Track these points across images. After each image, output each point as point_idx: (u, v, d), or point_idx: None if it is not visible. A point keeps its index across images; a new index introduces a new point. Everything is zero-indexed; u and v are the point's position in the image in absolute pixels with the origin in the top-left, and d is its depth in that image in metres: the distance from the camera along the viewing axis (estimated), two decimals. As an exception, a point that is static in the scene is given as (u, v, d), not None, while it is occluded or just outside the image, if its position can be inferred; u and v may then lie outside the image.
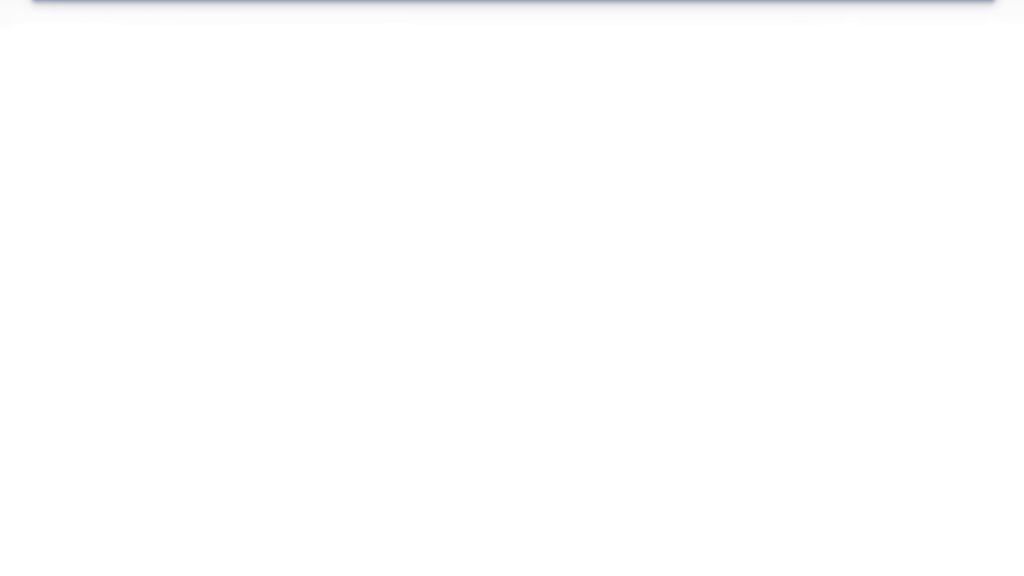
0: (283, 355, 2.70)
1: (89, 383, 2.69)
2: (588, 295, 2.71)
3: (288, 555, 2.70)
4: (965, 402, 2.69)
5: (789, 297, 2.70)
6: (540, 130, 2.73)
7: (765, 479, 2.69)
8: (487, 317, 2.71)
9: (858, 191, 2.71)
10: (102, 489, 2.69)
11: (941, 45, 2.71)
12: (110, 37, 2.73)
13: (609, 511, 2.69)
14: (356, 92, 2.73)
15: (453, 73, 2.74)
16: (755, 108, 2.72)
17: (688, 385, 2.70)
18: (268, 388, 2.70)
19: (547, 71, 2.73)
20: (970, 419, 2.68)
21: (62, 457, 2.69)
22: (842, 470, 2.69)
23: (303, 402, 2.70)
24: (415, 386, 2.70)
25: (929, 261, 2.70)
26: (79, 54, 2.73)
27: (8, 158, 2.72)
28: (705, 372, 2.70)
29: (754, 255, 2.71)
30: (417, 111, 2.74)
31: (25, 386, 2.69)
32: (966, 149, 2.71)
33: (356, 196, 2.72)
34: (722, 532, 2.69)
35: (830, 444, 2.69)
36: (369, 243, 2.72)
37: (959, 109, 2.71)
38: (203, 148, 2.72)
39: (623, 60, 2.73)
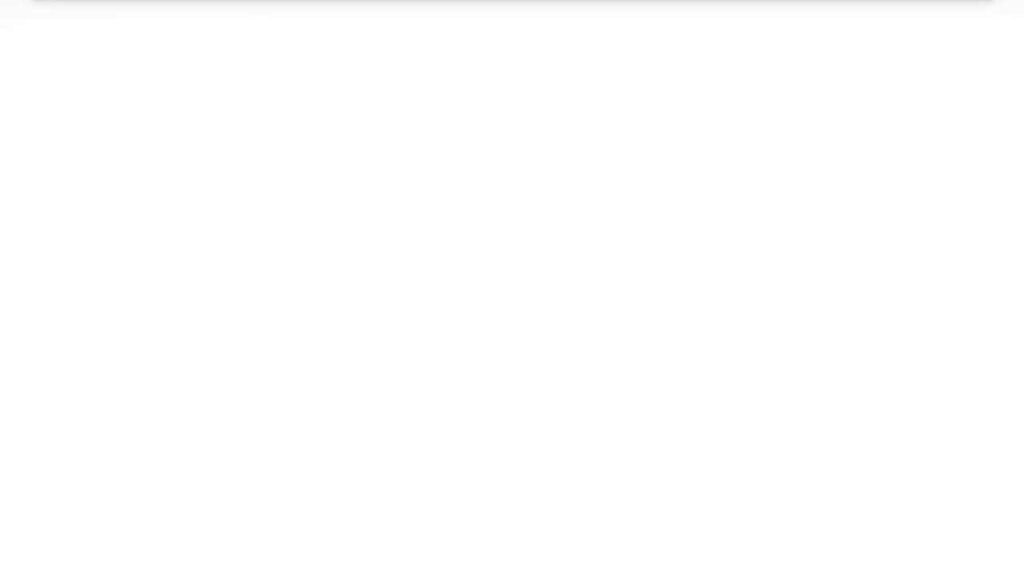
0: (281, 352, 2.70)
1: (89, 382, 2.70)
2: (588, 293, 2.71)
3: (288, 555, 2.70)
4: (965, 402, 2.69)
5: (788, 295, 2.71)
6: (541, 128, 2.73)
7: (765, 479, 2.69)
8: (487, 315, 2.71)
9: (857, 188, 2.71)
10: (101, 488, 2.69)
11: (940, 42, 2.72)
12: (112, 35, 2.73)
13: (609, 511, 2.69)
14: (359, 89, 2.73)
15: (453, 70, 2.74)
16: (754, 105, 2.73)
17: (688, 384, 2.70)
18: (267, 386, 2.70)
19: (547, 68, 2.74)
20: (970, 419, 2.69)
21: (62, 456, 2.69)
22: (842, 470, 2.69)
23: (303, 402, 2.70)
24: (415, 385, 2.71)
25: (927, 258, 2.70)
26: (81, 52, 2.73)
27: (10, 157, 2.72)
28: (705, 369, 2.70)
29: (754, 252, 2.71)
30: (419, 108, 2.74)
31: (25, 386, 2.69)
32: (965, 146, 2.72)
33: (357, 193, 2.73)
34: (722, 532, 2.69)
35: (830, 444, 2.69)
36: (369, 240, 2.72)
37: (958, 106, 2.72)
38: (205, 146, 2.73)
39: (623, 57, 2.73)
